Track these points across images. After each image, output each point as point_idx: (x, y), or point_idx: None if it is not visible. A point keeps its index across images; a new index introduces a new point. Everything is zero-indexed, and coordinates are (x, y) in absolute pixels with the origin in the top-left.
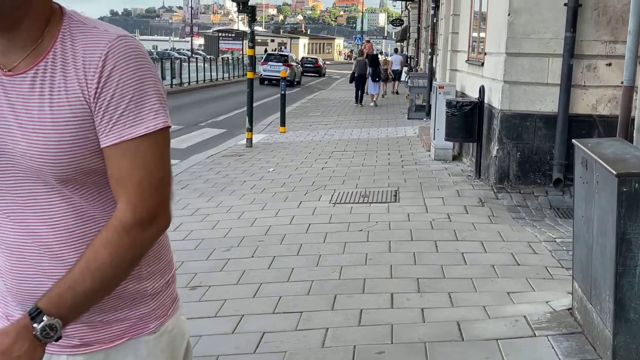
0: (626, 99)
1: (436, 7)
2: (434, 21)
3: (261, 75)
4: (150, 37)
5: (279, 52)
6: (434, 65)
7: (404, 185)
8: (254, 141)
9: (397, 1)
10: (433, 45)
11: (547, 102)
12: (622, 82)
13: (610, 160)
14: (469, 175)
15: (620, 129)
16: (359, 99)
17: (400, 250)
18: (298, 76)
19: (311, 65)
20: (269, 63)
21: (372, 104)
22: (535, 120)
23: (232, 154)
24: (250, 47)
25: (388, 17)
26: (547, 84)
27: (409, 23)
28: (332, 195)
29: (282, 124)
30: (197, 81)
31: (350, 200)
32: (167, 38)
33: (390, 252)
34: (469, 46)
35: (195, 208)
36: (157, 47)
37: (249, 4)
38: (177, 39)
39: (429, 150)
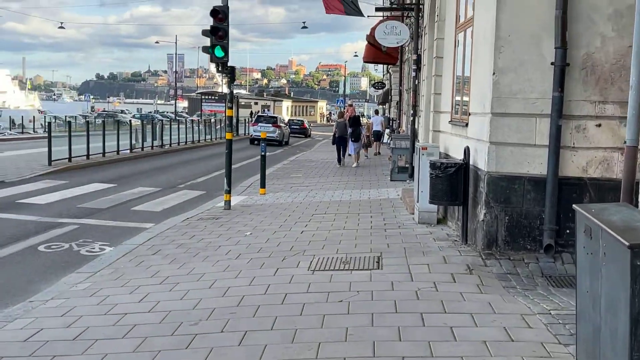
0: (629, 160)
1: (418, 69)
2: (416, 83)
3: (251, 135)
4: (136, 100)
5: (269, 114)
6: (416, 126)
7: (387, 250)
8: (232, 203)
9: (379, 64)
10: (415, 106)
11: (536, 164)
12: (624, 142)
13: (619, 229)
14: (455, 240)
15: (624, 193)
16: (341, 160)
17: (384, 324)
18: (286, 136)
19: (297, 127)
20: (259, 124)
21: (354, 164)
22: (523, 182)
23: (209, 217)
24: (229, 108)
25: (370, 80)
26: (535, 145)
27: (391, 86)
28: (311, 262)
29: (262, 185)
30: (178, 143)
31: (331, 267)
32: (151, 101)
33: (372, 326)
34: (452, 107)
35: (165, 276)
36: (141, 109)
37: (229, 64)
38: (162, 102)
39: (413, 213)
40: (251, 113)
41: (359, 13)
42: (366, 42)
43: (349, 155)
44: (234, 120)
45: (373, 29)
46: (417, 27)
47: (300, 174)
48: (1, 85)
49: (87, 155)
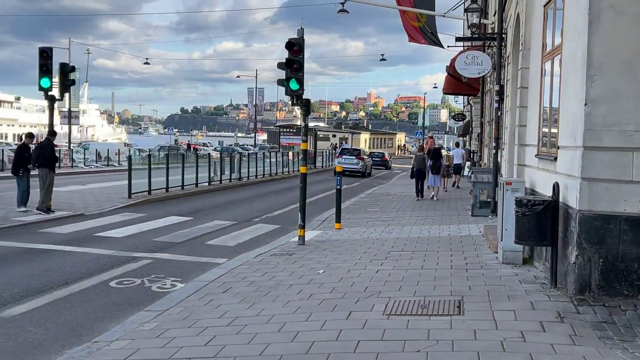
0: None
1: (500, 100)
2: (499, 114)
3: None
4: (218, 133)
5: (353, 147)
6: (499, 159)
7: (469, 293)
8: (306, 238)
9: (460, 96)
10: (498, 139)
11: (633, 202)
12: None
13: None
14: (544, 283)
15: None
16: (419, 193)
17: None
18: (369, 168)
19: (379, 159)
20: (344, 156)
21: (433, 197)
22: (619, 222)
23: (282, 253)
24: (304, 141)
25: (450, 112)
26: (632, 182)
27: (471, 117)
28: (386, 305)
29: (338, 220)
30: (256, 175)
31: (407, 312)
32: (232, 134)
33: None
34: (539, 140)
35: (234, 317)
36: (222, 142)
37: (304, 97)
38: (243, 134)
39: (496, 252)
40: (331, 144)
41: (438, 44)
42: (446, 74)
43: (428, 187)
44: (312, 153)
45: (453, 60)
46: (499, 57)
47: (377, 208)
48: (91, 120)
49: (167, 188)
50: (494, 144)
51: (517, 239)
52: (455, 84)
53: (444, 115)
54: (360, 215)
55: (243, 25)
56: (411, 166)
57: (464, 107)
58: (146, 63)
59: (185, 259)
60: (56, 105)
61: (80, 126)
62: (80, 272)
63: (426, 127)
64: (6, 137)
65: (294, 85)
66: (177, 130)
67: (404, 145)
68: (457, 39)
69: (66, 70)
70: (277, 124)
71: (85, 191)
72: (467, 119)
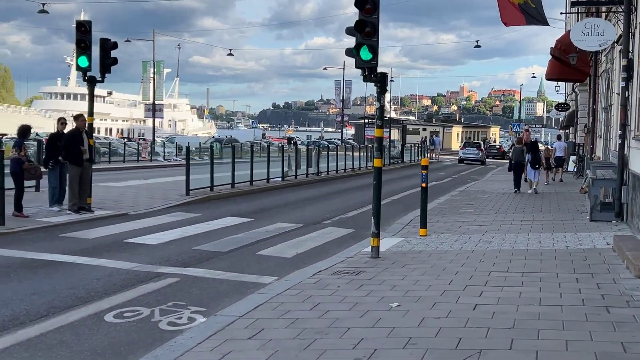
0: None
1: (629, 78)
2: (626, 96)
3: (460, 156)
4: (308, 128)
5: (473, 141)
6: (625, 152)
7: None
8: (382, 249)
9: (564, 82)
10: (625, 125)
11: None
12: None
13: None
14: None
15: None
16: (517, 186)
17: None
18: (485, 158)
19: (495, 151)
20: (467, 148)
21: (530, 190)
22: None
23: (348, 270)
24: (378, 126)
25: (546, 105)
26: None
27: (577, 107)
28: None
29: (423, 224)
30: (336, 170)
31: None
32: (319, 129)
33: None
34: None
35: None
36: (310, 137)
37: (379, 71)
38: (333, 129)
39: None
40: (422, 137)
41: (543, 21)
42: (550, 58)
43: (525, 180)
44: (400, 147)
45: (559, 41)
46: (627, 23)
47: (471, 209)
48: (182, 114)
49: (232, 184)
50: (619, 132)
51: None
52: (561, 68)
53: (539, 108)
54: (451, 218)
55: (335, 20)
56: (509, 160)
57: (566, 97)
58: (230, 54)
59: (223, 277)
60: (140, 97)
61: (170, 120)
62: (75, 297)
63: (522, 120)
64: (99, 131)
65: (365, 54)
66: (268, 125)
67: (494, 140)
68: (573, 4)
69: (107, 46)
70: (362, 116)
71: (143, 187)
72: (571, 109)
